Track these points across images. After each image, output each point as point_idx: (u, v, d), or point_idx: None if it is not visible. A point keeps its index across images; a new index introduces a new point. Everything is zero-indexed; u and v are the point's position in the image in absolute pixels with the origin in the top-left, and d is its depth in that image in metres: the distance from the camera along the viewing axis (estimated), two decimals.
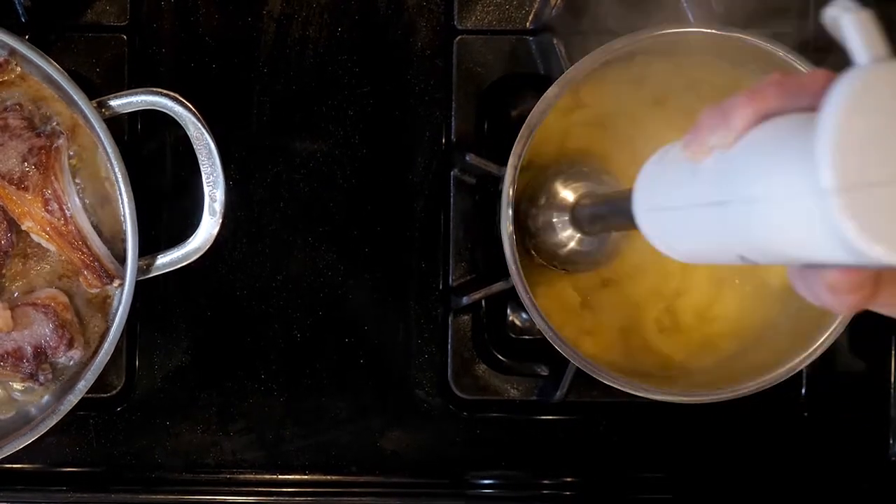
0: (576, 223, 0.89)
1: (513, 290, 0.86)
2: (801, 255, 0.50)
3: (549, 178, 0.91)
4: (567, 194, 0.90)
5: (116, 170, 0.84)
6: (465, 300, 0.93)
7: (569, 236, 0.90)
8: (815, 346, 0.86)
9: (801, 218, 0.48)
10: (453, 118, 0.96)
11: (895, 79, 0.47)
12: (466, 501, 0.98)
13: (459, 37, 0.96)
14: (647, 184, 0.64)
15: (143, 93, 0.85)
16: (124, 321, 0.85)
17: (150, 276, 0.87)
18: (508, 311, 0.98)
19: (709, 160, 0.55)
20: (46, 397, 0.87)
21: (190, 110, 0.85)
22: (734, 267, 0.92)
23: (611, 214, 0.78)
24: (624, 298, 0.93)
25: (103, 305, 0.87)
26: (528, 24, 0.96)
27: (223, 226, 0.86)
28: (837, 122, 0.46)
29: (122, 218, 0.86)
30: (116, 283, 0.85)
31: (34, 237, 0.85)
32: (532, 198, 0.91)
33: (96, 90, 0.91)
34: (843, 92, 0.46)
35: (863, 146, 0.46)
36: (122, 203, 0.85)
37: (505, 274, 0.86)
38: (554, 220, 0.90)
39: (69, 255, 0.84)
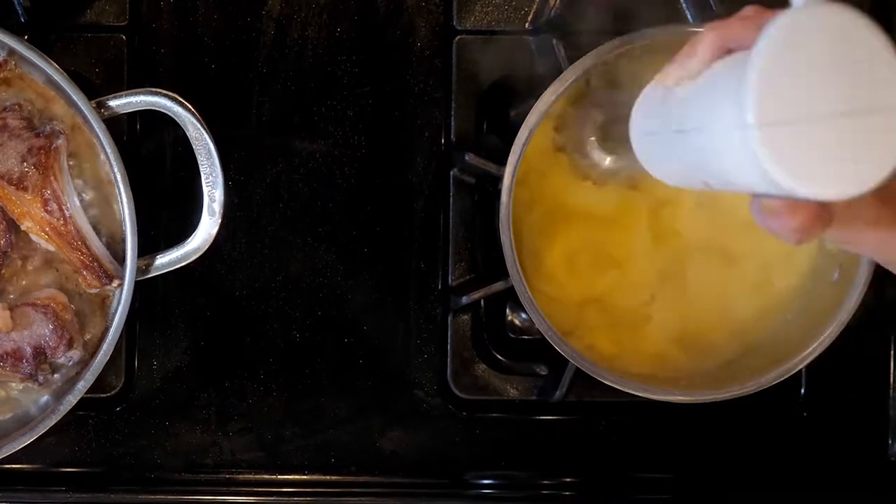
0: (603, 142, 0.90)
1: (512, 290, 0.86)
2: (742, 182, 0.53)
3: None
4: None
5: (116, 170, 0.84)
6: (464, 300, 0.92)
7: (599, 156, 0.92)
8: (815, 346, 0.86)
9: (734, 148, 0.51)
10: (453, 118, 0.96)
11: (821, 22, 0.50)
12: (466, 501, 0.98)
13: (458, 37, 0.96)
14: (637, 110, 0.68)
15: (142, 93, 0.85)
16: (123, 321, 0.85)
17: (150, 276, 0.87)
18: (508, 311, 0.98)
19: (677, 91, 0.59)
20: (46, 397, 0.87)
21: (189, 110, 0.85)
22: (742, 275, 0.92)
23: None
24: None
25: (102, 305, 0.87)
26: (527, 24, 0.96)
27: (222, 226, 0.86)
28: (762, 63, 0.49)
29: (121, 218, 0.86)
30: (115, 283, 0.85)
31: (33, 237, 0.85)
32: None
33: (96, 90, 0.91)
34: (770, 34, 0.49)
35: (783, 86, 0.49)
36: (122, 203, 0.85)
37: (505, 274, 0.86)
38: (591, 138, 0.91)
39: (68, 255, 0.84)
